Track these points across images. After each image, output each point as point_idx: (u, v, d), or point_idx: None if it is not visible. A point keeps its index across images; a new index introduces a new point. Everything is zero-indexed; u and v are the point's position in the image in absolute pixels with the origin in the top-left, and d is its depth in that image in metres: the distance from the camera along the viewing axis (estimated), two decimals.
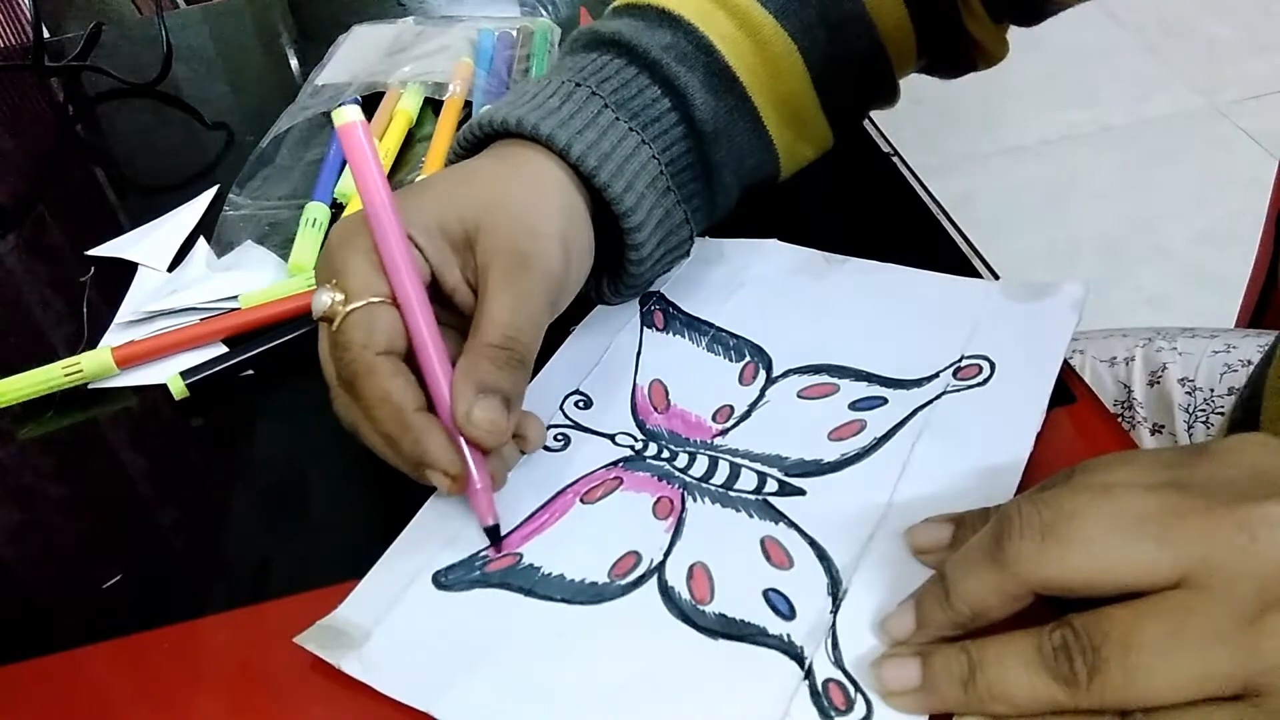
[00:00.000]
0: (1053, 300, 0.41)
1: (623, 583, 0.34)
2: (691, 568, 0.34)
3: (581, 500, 0.37)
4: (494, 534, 0.35)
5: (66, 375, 0.45)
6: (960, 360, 0.40)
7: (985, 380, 0.38)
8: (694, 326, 0.44)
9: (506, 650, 0.32)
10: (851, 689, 0.29)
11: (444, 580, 0.34)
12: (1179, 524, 0.26)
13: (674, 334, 0.43)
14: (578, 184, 0.40)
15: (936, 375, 0.39)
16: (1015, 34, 0.51)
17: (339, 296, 0.35)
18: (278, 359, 0.45)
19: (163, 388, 0.44)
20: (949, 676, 0.28)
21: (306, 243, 0.50)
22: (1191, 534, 0.26)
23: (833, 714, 0.29)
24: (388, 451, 0.36)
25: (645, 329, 0.44)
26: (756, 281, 0.45)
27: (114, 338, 0.48)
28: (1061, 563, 0.26)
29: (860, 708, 0.29)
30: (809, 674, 0.30)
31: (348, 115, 0.36)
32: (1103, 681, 0.25)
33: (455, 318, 0.38)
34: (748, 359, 0.42)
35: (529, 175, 0.39)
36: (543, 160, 0.40)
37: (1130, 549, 0.26)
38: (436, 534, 0.36)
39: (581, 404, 0.41)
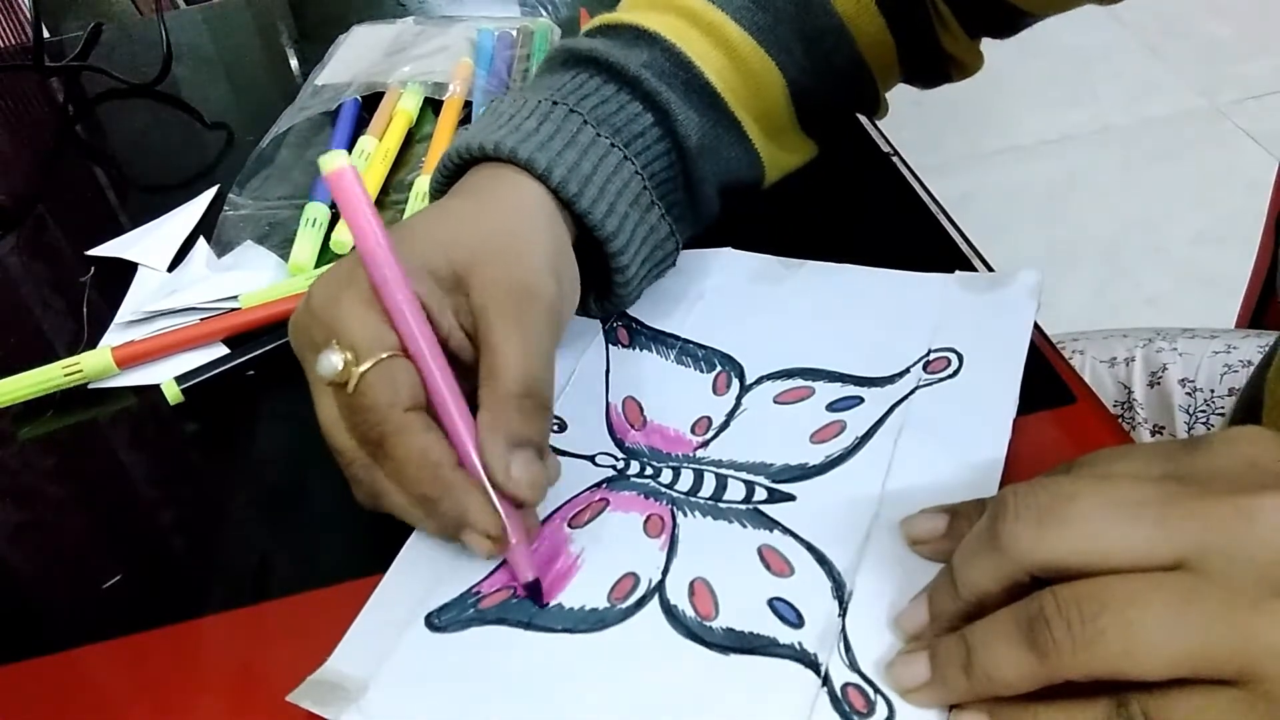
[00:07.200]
0: (1009, 289, 0.42)
1: (624, 606, 0.33)
2: (692, 583, 0.33)
3: (569, 525, 0.35)
4: (535, 589, 0.33)
5: (66, 375, 0.45)
6: (928, 354, 0.40)
7: (956, 372, 0.39)
8: (660, 340, 0.43)
9: (512, 687, 0.31)
10: (871, 691, 0.29)
11: (438, 622, 0.33)
12: (1177, 509, 0.26)
13: (641, 349, 0.43)
14: (560, 206, 0.39)
15: (908, 370, 0.39)
16: (1016, 35, 0.51)
17: (348, 356, 0.32)
18: (278, 359, 0.45)
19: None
20: (952, 664, 0.28)
21: (306, 243, 0.50)
22: (1189, 518, 0.26)
23: (855, 718, 0.28)
24: (417, 513, 0.34)
25: (611, 346, 0.43)
26: (716, 291, 0.45)
27: (114, 338, 0.48)
28: (1058, 543, 0.26)
29: (882, 709, 0.28)
30: (826, 680, 0.29)
31: (336, 162, 0.32)
32: (1098, 649, 0.25)
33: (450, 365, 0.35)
34: (719, 369, 0.41)
35: (512, 206, 0.38)
36: (524, 185, 0.38)
37: (1128, 530, 0.26)
38: (424, 574, 0.34)
39: (556, 428, 0.39)
